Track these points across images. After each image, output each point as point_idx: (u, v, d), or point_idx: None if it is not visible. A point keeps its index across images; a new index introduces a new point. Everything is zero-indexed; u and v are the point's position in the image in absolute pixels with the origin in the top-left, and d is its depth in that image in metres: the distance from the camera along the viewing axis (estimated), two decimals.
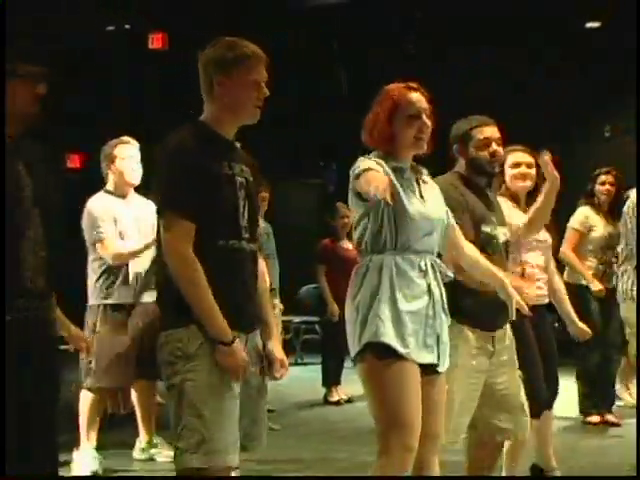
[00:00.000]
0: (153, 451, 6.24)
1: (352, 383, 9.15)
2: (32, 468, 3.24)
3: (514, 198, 5.13)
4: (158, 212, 3.41)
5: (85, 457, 5.94)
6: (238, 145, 3.61)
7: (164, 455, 6.17)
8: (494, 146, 4.40)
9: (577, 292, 7.27)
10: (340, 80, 13.60)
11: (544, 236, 5.21)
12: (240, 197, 3.44)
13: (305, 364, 8.79)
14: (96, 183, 6.16)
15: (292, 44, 12.15)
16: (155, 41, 13.03)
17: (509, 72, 12.35)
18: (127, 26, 13.43)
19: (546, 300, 5.19)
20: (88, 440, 5.99)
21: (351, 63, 13.49)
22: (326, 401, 8.95)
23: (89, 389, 6.01)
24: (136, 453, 6.20)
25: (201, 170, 3.35)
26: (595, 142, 12.66)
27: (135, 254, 5.90)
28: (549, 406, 5.14)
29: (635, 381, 6.14)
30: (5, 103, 3.09)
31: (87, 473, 5.85)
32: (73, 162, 14.14)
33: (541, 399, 4.97)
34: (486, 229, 4.32)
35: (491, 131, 4.44)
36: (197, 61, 3.54)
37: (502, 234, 4.45)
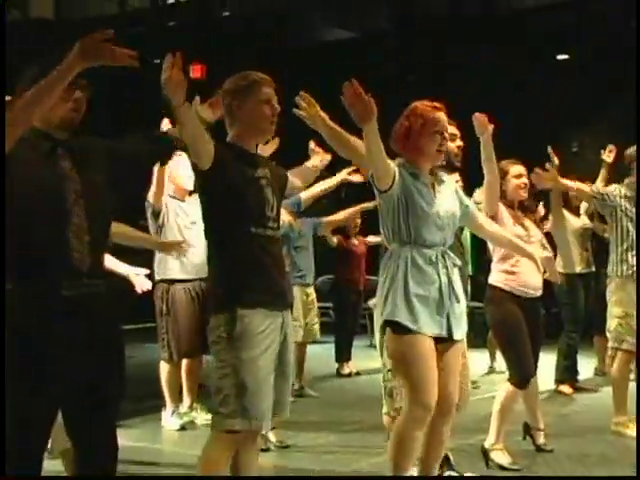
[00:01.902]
0: (194, 414, 6.27)
1: (360, 359, 9.20)
2: (92, 440, 3.13)
3: (510, 205, 5.10)
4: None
5: (169, 416, 6.16)
6: (262, 154, 3.70)
7: (202, 418, 6.23)
8: (459, 141, 4.46)
9: (569, 281, 7.30)
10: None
11: (535, 232, 5.17)
12: (267, 194, 3.51)
13: (321, 343, 8.79)
14: None
15: (311, 73, 12.10)
16: (195, 71, 13.04)
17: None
18: None
19: (540, 292, 5.13)
20: (172, 402, 6.16)
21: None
22: (338, 374, 8.94)
23: (165, 360, 6.13)
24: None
25: (230, 168, 3.43)
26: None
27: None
28: (533, 375, 5.12)
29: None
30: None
31: (173, 428, 6.09)
32: None
33: (529, 373, 4.99)
34: None
35: (455, 129, 4.47)
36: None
37: None
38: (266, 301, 3.41)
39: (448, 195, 3.92)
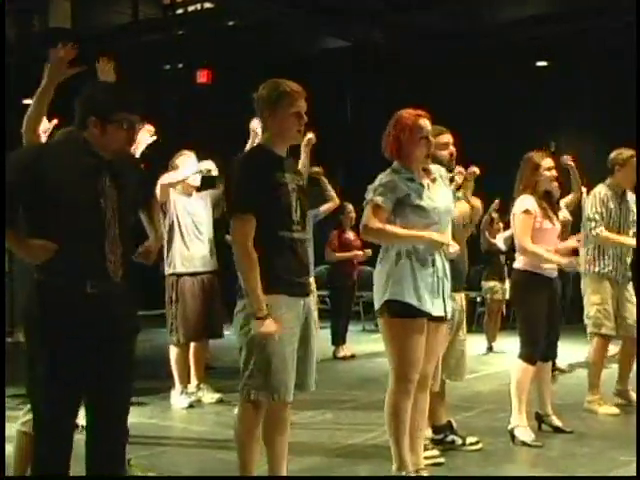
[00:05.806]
0: (200, 394, 6.28)
1: (354, 343, 9.23)
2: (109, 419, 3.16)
3: (540, 197, 5.04)
4: (228, 211, 3.54)
5: (178, 395, 6.15)
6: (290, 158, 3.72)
7: (208, 397, 6.25)
8: (451, 148, 4.54)
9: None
10: (347, 111, 13.64)
11: (557, 224, 5.15)
12: (293, 198, 3.55)
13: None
14: None
15: (313, 82, 12.09)
16: (201, 76, 13.02)
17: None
18: (180, 65, 13.45)
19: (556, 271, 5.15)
20: (180, 383, 6.17)
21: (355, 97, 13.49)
22: (334, 357, 8.94)
23: (174, 344, 6.14)
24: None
25: (262, 178, 3.48)
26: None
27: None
28: (544, 359, 5.11)
29: None
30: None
31: (182, 406, 6.08)
32: None
33: (537, 351, 5.00)
34: None
35: (449, 137, 4.55)
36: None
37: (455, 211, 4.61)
38: (287, 290, 3.50)
39: (442, 192, 3.98)
